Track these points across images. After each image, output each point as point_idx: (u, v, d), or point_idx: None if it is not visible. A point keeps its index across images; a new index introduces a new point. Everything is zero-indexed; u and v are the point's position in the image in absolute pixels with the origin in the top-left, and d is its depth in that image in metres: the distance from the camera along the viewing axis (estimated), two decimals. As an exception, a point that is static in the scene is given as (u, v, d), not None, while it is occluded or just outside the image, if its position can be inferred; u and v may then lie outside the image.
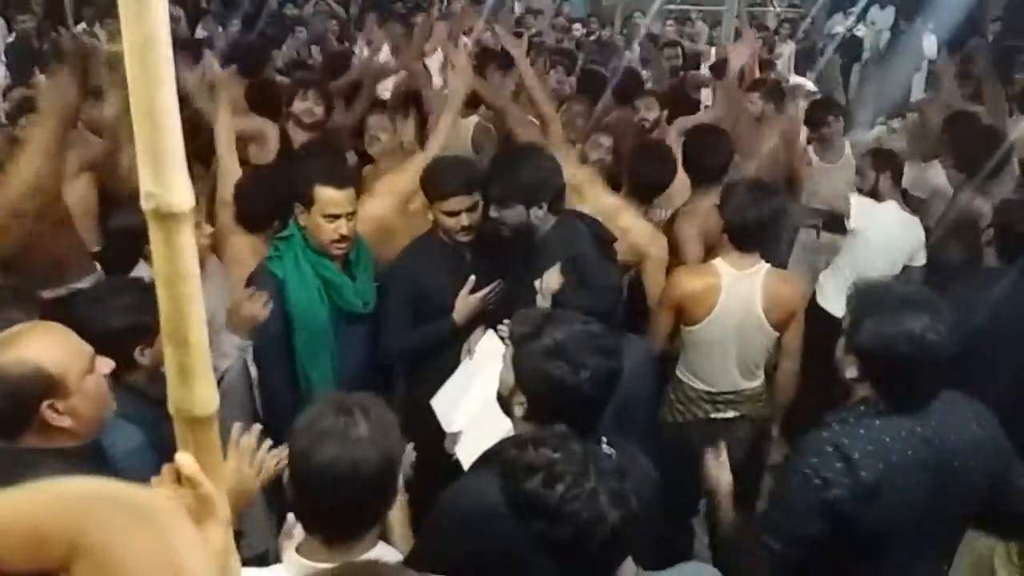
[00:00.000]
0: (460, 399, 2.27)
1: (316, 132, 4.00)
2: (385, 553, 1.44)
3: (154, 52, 0.85)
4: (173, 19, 7.80)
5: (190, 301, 0.94)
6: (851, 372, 1.87)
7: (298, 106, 4.02)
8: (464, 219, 2.65)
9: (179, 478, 1.00)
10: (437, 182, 2.68)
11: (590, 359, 1.64)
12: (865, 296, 1.90)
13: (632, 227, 3.06)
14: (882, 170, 3.70)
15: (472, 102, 4.71)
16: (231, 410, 2.56)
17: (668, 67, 6.46)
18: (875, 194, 3.73)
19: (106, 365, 1.64)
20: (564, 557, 1.35)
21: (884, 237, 3.57)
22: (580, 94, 4.99)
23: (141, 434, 1.63)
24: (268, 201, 2.95)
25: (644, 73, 6.17)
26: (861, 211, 3.62)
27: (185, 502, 1.00)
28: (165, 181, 0.89)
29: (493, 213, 2.68)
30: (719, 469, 2.09)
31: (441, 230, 2.70)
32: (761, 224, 2.72)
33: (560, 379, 1.62)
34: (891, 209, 3.67)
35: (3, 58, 6.65)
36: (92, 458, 1.60)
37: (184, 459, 0.99)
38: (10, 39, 6.82)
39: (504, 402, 1.76)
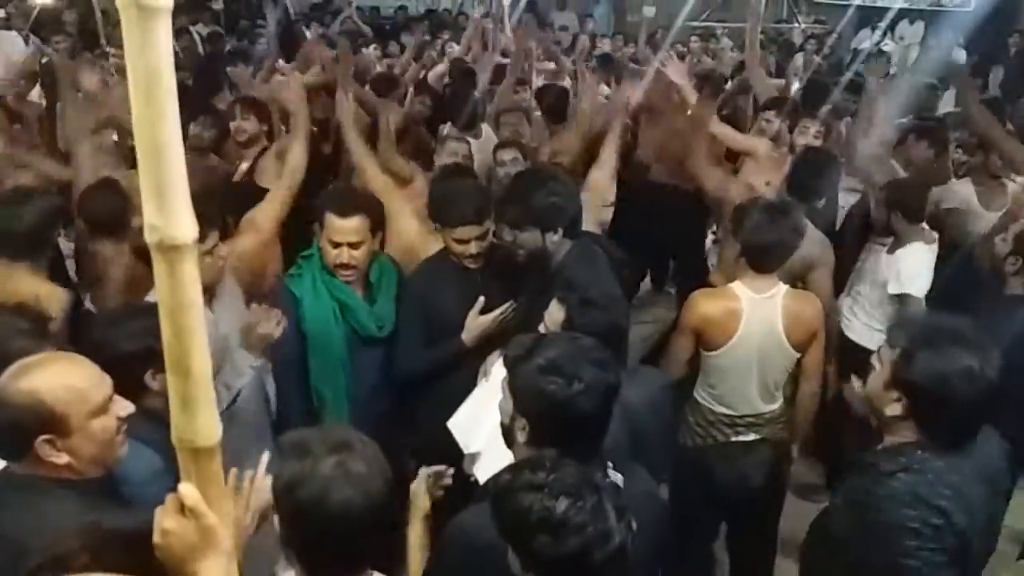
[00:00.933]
0: (478, 420, 2.26)
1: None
2: None
3: (159, 85, 0.86)
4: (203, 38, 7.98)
5: (193, 331, 0.94)
6: (892, 410, 1.78)
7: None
8: (472, 247, 2.63)
9: (183, 509, 1.00)
10: (447, 210, 2.68)
11: (584, 372, 1.60)
12: (914, 329, 1.82)
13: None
14: (894, 208, 3.45)
15: (470, 123, 4.76)
16: (246, 428, 2.57)
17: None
18: (889, 231, 3.49)
19: (123, 408, 1.64)
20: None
21: (913, 285, 3.46)
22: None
23: (159, 459, 1.63)
24: None
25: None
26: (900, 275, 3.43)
27: (188, 533, 1.00)
28: (168, 213, 0.90)
29: (508, 236, 2.66)
30: None
31: (451, 252, 2.71)
32: (779, 245, 2.68)
33: (554, 394, 1.59)
34: (914, 255, 3.44)
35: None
36: (103, 489, 1.61)
37: (187, 490, 0.99)
38: (44, 60, 6.96)
39: (507, 431, 1.73)
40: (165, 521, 1.01)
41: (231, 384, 2.42)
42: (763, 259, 2.66)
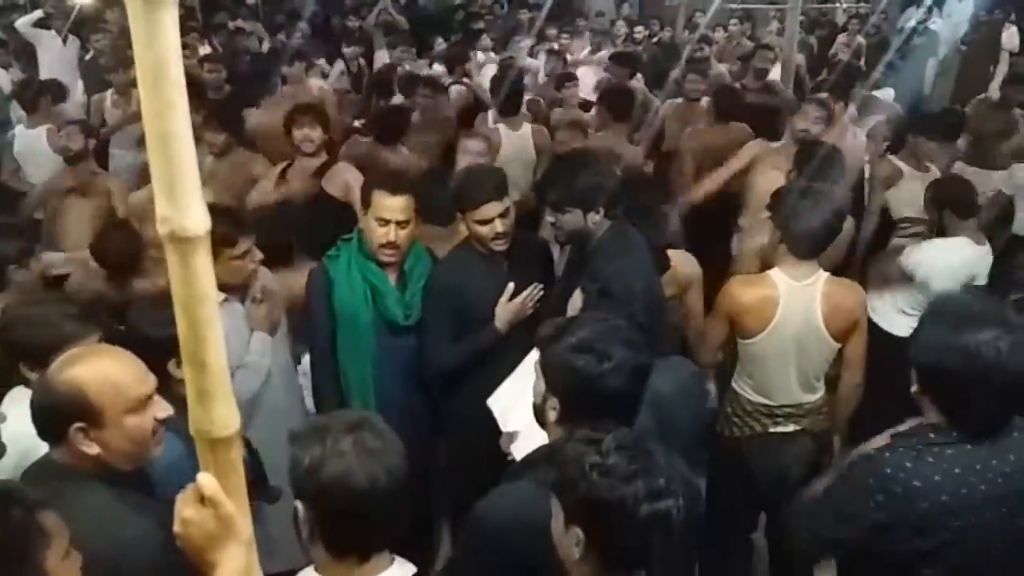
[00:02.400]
0: (517, 399, 2.25)
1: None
2: (402, 570, 1.43)
3: (166, 76, 0.86)
4: (245, 34, 8.09)
5: (207, 323, 0.94)
6: (915, 387, 1.78)
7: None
8: (498, 225, 2.64)
9: (201, 498, 1.01)
10: (468, 192, 2.69)
11: (614, 350, 1.61)
12: (932, 307, 1.81)
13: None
14: (943, 206, 3.43)
15: (513, 109, 4.74)
16: (277, 402, 2.68)
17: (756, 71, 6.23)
18: (941, 230, 3.47)
19: (163, 410, 1.64)
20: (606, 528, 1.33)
21: (945, 279, 3.39)
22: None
23: (181, 444, 1.65)
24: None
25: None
26: (923, 263, 3.42)
27: (206, 523, 1.01)
28: (180, 205, 0.89)
29: (550, 218, 2.66)
30: None
31: (476, 241, 2.71)
32: (824, 231, 2.62)
33: (584, 370, 1.60)
34: (956, 247, 3.43)
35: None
36: (132, 481, 1.64)
37: (205, 479, 1.00)
38: (87, 57, 7.12)
39: (538, 411, 1.74)
40: (184, 511, 1.02)
41: (261, 365, 2.57)
42: (806, 245, 2.60)
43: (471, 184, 2.72)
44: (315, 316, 2.73)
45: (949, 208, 3.39)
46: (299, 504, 1.36)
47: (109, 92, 5.79)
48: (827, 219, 2.60)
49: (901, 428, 1.86)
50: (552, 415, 1.67)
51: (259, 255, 2.61)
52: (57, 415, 1.55)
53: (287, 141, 3.92)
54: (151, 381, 1.65)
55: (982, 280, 3.46)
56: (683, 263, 3.10)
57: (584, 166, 2.60)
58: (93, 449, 1.56)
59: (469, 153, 3.77)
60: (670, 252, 3.03)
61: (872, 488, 1.69)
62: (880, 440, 1.86)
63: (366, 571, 1.39)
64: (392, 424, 1.43)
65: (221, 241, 2.10)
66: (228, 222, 2.41)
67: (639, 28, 8.89)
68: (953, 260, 3.42)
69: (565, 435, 1.46)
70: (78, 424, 1.55)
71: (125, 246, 3.14)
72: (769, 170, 3.96)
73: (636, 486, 1.31)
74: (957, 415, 1.70)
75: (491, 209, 2.64)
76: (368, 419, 1.39)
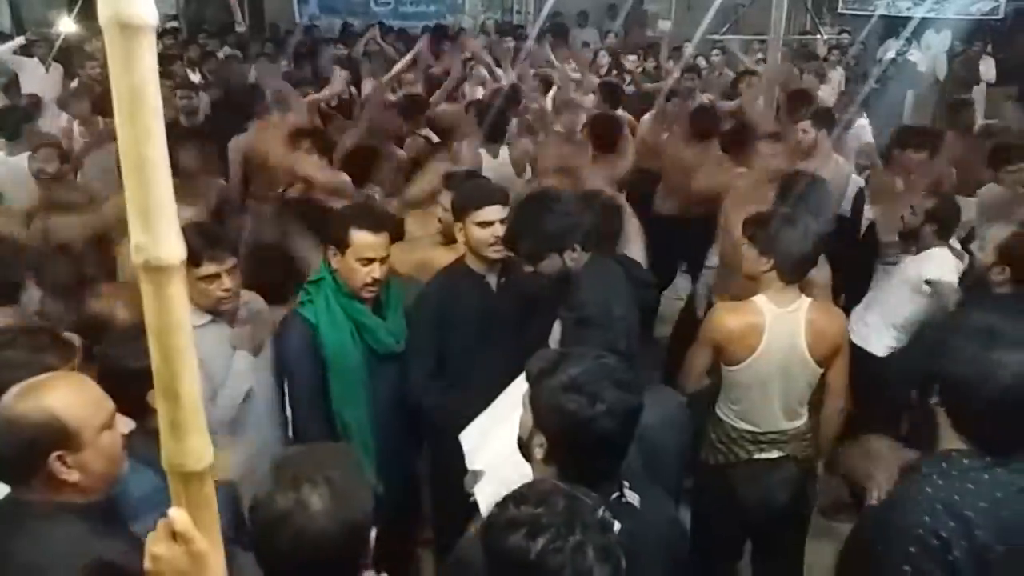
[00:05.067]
0: (488, 437, 2.23)
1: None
2: None
3: (143, 103, 0.85)
4: (238, 61, 8.08)
5: (181, 354, 0.92)
6: (934, 399, 1.70)
7: None
8: (499, 229, 2.63)
9: (173, 534, 0.98)
10: (472, 193, 2.69)
11: (607, 392, 1.58)
12: (957, 320, 1.76)
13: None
14: (929, 220, 3.46)
15: (496, 135, 4.75)
16: (261, 421, 2.61)
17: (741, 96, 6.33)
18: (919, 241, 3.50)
19: (125, 424, 1.63)
20: None
21: (954, 285, 3.41)
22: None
23: (156, 477, 1.62)
24: None
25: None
26: (933, 271, 3.38)
27: (178, 560, 0.98)
28: (154, 233, 0.88)
29: (528, 269, 2.58)
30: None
31: (470, 252, 2.69)
32: (811, 255, 2.64)
33: (576, 413, 1.57)
34: (950, 257, 3.45)
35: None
36: (106, 514, 1.60)
37: (177, 515, 0.97)
38: (73, 85, 7.09)
39: (524, 446, 1.70)
40: (155, 547, 0.98)
41: (239, 389, 2.50)
42: (794, 270, 2.62)
43: (474, 187, 2.74)
44: (297, 367, 2.60)
45: (935, 224, 3.43)
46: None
47: (75, 123, 5.65)
48: (812, 246, 2.62)
49: (921, 458, 1.79)
50: (539, 452, 1.64)
51: (231, 281, 2.48)
52: (33, 448, 1.51)
53: (286, 167, 3.91)
54: (108, 398, 1.64)
55: None
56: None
57: (549, 208, 2.53)
58: (73, 476, 1.53)
59: (432, 172, 3.70)
60: None
61: (932, 527, 1.60)
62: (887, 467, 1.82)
63: None
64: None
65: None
66: (196, 240, 2.32)
67: (632, 58, 8.92)
68: (952, 268, 3.44)
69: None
70: (57, 452, 1.52)
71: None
72: (745, 204, 4.00)
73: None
74: (979, 434, 1.65)
75: (493, 212, 2.63)
76: (323, 474, 1.36)
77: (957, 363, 1.64)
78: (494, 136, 4.74)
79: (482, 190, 2.73)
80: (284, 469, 1.36)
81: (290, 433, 2.74)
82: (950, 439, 1.70)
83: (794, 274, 2.64)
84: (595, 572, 1.26)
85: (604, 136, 4.68)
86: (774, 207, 3.16)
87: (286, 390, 2.70)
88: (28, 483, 1.55)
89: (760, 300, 2.66)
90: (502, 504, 1.36)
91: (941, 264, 3.41)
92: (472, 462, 2.11)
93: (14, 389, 1.56)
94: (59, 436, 1.52)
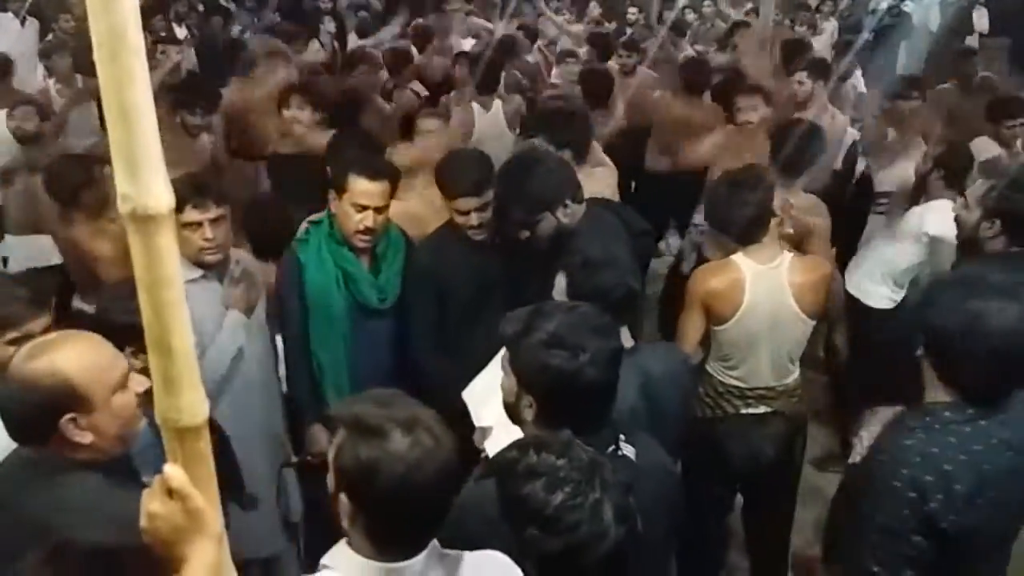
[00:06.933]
0: (491, 393, 2.22)
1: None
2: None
3: (124, 45, 0.80)
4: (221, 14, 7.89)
5: (173, 307, 0.89)
6: (919, 351, 1.72)
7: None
8: (473, 218, 2.62)
9: (169, 491, 0.96)
10: (449, 181, 2.66)
11: (588, 342, 1.56)
12: (945, 275, 1.75)
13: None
14: (937, 167, 3.41)
15: (489, 86, 4.66)
16: (251, 384, 2.58)
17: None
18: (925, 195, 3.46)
19: (140, 383, 1.59)
20: (555, 571, 1.27)
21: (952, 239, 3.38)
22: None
23: (149, 432, 1.60)
24: None
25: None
26: (935, 221, 3.32)
27: (174, 516, 0.96)
28: (141, 182, 0.84)
29: (525, 234, 2.58)
30: None
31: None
32: (752, 220, 2.59)
33: (561, 367, 1.55)
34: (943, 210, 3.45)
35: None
36: (122, 469, 1.59)
37: (172, 471, 0.95)
38: (49, 38, 6.91)
39: (512, 410, 1.68)
40: (151, 504, 0.96)
41: (228, 346, 2.45)
42: (739, 233, 2.61)
43: (452, 173, 2.67)
44: (286, 302, 2.67)
45: (943, 171, 3.38)
46: (343, 496, 1.25)
47: (51, 81, 5.49)
48: (751, 212, 2.59)
49: (906, 411, 1.80)
50: (528, 414, 1.62)
51: (213, 231, 2.41)
52: (44, 412, 1.49)
53: (279, 121, 3.83)
54: (123, 356, 1.62)
55: None
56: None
57: (529, 170, 2.50)
58: (87, 438, 1.51)
59: (423, 132, 3.63)
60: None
61: (911, 479, 1.62)
62: (880, 421, 1.81)
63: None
64: None
65: None
66: (180, 187, 2.27)
67: (633, 10, 8.72)
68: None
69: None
70: (69, 415, 1.49)
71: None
72: (732, 160, 3.95)
73: (577, 535, 1.26)
74: (963, 385, 1.67)
75: (466, 203, 2.62)
76: (420, 418, 1.27)
77: (940, 314, 1.65)
78: (487, 88, 4.65)
79: (457, 177, 2.65)
80: (384, 419, 1.25)
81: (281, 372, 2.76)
82: (935, 391, 1.72)
83: (743, 239, 2.63)
84: (611, 532, 1.25)
85: (595, 91, 4.60)
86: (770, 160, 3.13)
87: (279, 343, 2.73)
88: (43, 444, 1.52)
89: (738, 258, 2.65)
90: (522, 448, 1.33)
91: (946, 217, 3.37)
92: (479, 419, 2.11)
93: (24, 349, 1.54)
94: (70, 399, 1.49)
